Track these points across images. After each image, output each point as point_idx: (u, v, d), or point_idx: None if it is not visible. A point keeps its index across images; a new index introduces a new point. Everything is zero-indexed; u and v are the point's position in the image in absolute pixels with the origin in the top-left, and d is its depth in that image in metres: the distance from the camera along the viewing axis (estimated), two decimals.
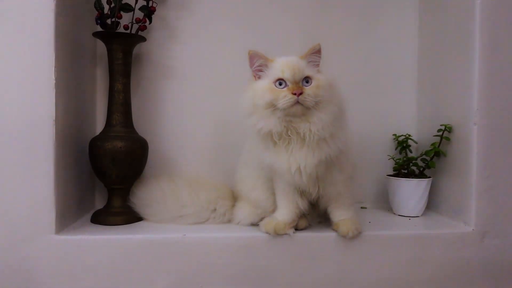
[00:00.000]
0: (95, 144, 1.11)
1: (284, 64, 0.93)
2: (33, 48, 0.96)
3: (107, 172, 1.11)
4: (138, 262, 0.99)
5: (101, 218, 1.11)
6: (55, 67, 0.97)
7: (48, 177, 0.97)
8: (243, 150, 1.15)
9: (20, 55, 0.96)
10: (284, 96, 0.91)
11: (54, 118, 0.97)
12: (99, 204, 1.29)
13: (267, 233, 1.01)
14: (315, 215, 1.11)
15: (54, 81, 0.97)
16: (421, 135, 1.37)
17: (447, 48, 1.23)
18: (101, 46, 1.25)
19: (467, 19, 1.12)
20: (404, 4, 1.40)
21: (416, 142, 1.36)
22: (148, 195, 1.14)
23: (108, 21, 1.16)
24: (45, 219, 0.97)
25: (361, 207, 1.35)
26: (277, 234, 1.00)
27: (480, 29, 1.08)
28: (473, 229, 1.09)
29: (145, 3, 1.20)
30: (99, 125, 1.29)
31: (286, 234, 1.01)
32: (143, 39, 1.19)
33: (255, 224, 1.08)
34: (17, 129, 0.96)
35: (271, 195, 1.07)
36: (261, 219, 1.07)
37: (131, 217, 1.13)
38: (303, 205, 1.03)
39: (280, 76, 0.93)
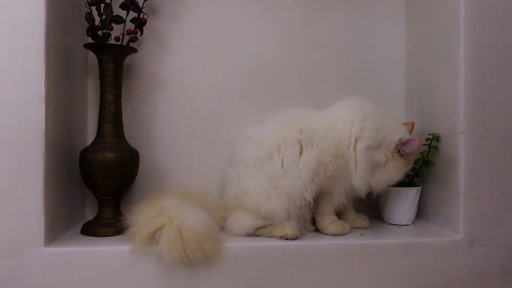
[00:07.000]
0: (86, 155, 1.11)
1: None
2: (24, 59, 0.96)
3: (97, 183, 1.11)
4: (129, 274, 0.98)
5: (91, 230, 1.11)
6: (45, 78, 0.97)
7: (37, 189, 0.96)
8: (239, 164, 1.15)
9: (10, 67, 0.96)
10: None
11: (44, 130, 0.97)
12: (90, 215, 1.28)
13: (336, 235, 1.11)
14: (307, 225, 1.14)
15: (44, 93, 0.97)
16: None
17: (434, 58, 1.26)
18: (92, 58, 1.26)
19: (452, 30, 1.15)
20: (392, 16, 1.43)
21: None
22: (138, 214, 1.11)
23: (99, 32, 1.16)
24: (34, 231, 0.96)
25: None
26: (344, 234, 1.13)
27: (465, 40, 1.11)
28: (461, 237, 1.10)
29: (136, 15, 1.21)
30: (90, 136, 1.29)
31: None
32: (134, 50, 1.20)
33: (249, 235, 1.09)
34: (6, 140, 0.96)
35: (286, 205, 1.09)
36: (256, 230, 1.10)
37: (122, 228, 1.12)
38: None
39: None
